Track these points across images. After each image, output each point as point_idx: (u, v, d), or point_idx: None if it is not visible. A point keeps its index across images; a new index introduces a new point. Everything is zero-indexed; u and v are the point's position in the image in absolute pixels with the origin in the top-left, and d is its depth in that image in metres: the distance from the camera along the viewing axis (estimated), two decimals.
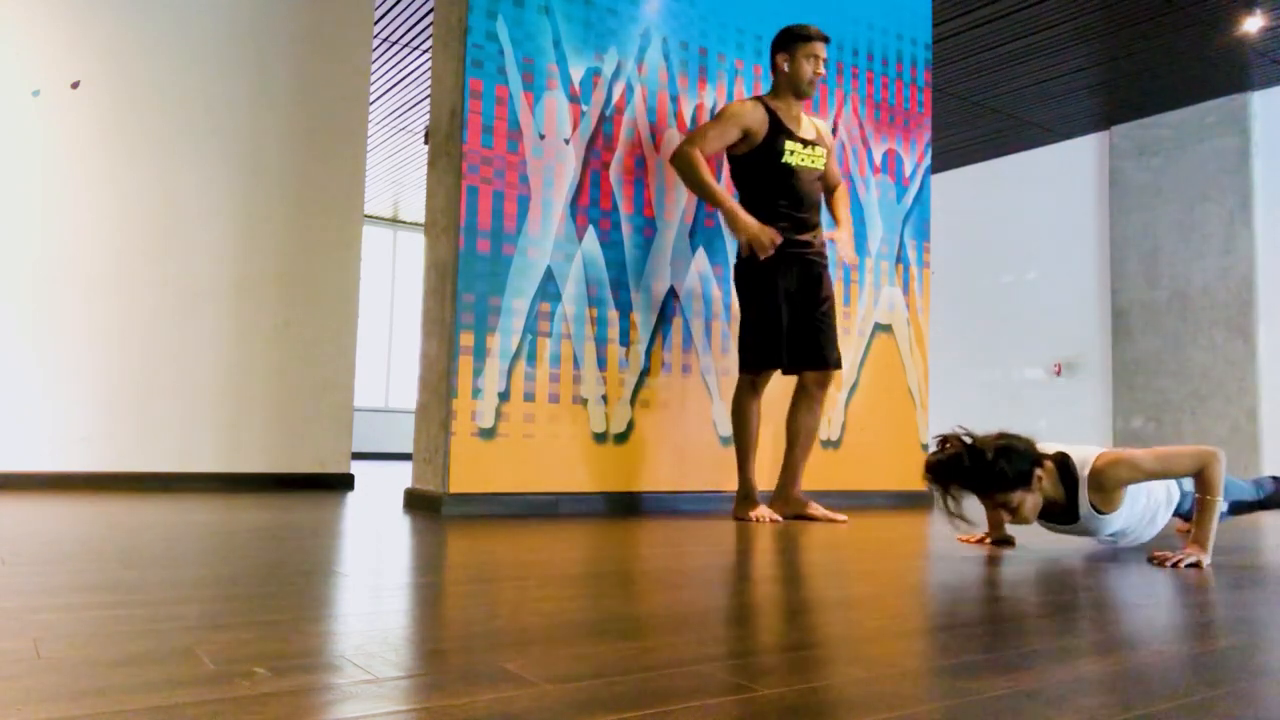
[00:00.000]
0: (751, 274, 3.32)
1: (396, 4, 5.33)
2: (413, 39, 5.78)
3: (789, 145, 3.31)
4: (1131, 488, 2.30)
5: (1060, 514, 2.34)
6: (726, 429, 3.79)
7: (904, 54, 4.39)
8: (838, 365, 3.35)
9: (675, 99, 3.75)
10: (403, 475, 5.81)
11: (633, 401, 3.57)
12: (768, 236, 3.18)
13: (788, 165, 3.31)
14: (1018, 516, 2.26)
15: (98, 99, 4.06)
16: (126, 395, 4.02)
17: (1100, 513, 2.30)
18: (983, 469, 2.18)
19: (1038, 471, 2.23)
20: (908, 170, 4.34)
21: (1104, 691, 1.04)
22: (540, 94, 3.45)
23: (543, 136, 3.44)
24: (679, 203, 3.73)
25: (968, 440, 2.21)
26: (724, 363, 3.80)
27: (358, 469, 5.94)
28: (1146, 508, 2.39)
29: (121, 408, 4.01)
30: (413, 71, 6.31)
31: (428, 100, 5.91)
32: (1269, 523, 3.85)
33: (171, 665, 1.04)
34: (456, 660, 1.11)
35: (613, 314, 3.55)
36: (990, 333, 7.28)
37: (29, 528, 2.39)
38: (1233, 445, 5.68)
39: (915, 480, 4.23)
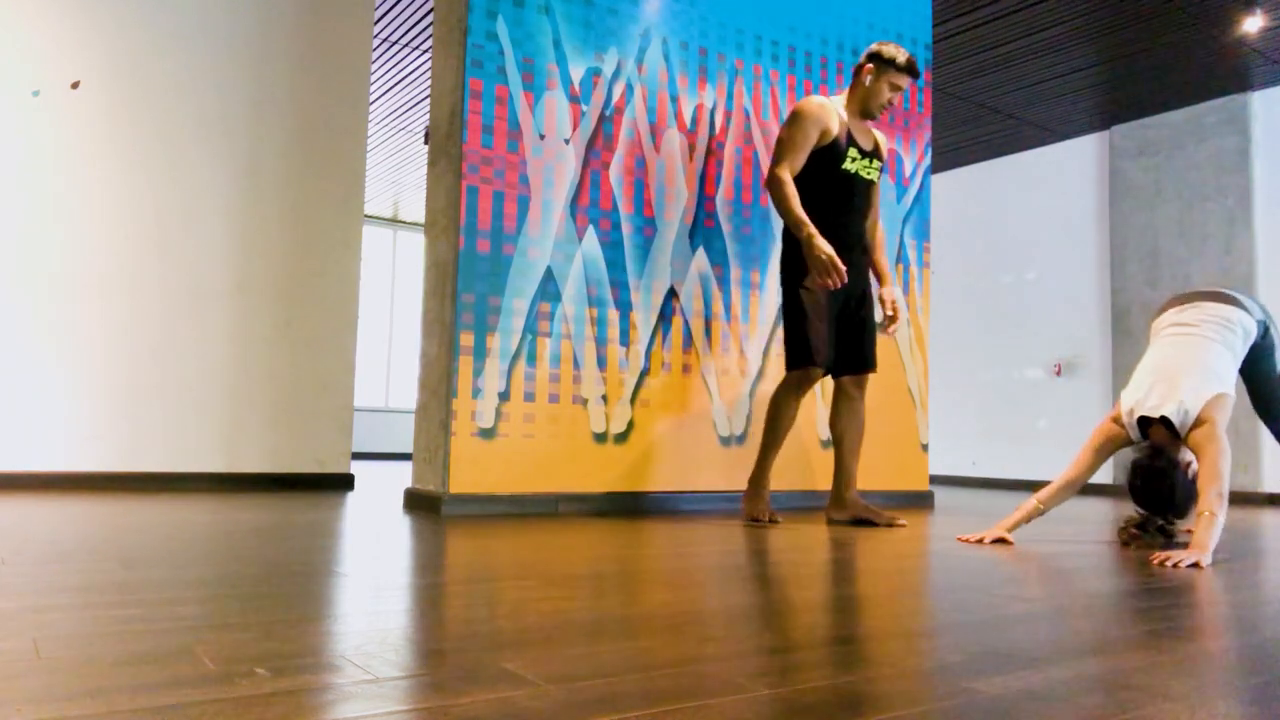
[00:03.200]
0: (801, 274, 3.22)
1: (396, 4, 5.33)
2: (413, 39, 5.78)
3: (852, 152, 3.26)
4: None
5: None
6: (726, 429, 3.79)
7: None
8: (874, 368, 3.33)
9: (675, 99, 3.75)
10: (403, 475, 5.81)
11: (633, 401, 3.57)
12: (839, 271, 3.07)
13: (846, 172, 3.26)
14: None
15: (97, 99, 4.06)
16: (126, 395, 4.02)
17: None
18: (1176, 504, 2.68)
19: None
20: (908, 170, 4.34)
21: (1104, 691, 1.04)
22: (540, 94, 3.45)
23: (543, 136, 3.44)
24: (679, 203, 3.73)
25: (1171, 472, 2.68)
26: (724, 363, 3.80)
27: (358, 469, 5.94)
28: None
29: (121, 408, 4.01)
30: (413, 71, 6.31)
31: (428, 100, 5.91)
32: (1269, 522, 3.85)
33: (171, 665, 1.04)
34: (456, 660, 1.11)
35: (613, 314, 3.55)
36: (990, 333, 7.28)
37: (29, 528, 2.39)
38: (1232, 445, 5.68)
39: (915, 480, 4.23)
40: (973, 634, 1.35)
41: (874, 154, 3.36)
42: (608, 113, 3.59)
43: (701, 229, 3.78)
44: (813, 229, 3.10)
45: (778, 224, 4.00)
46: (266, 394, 4.28)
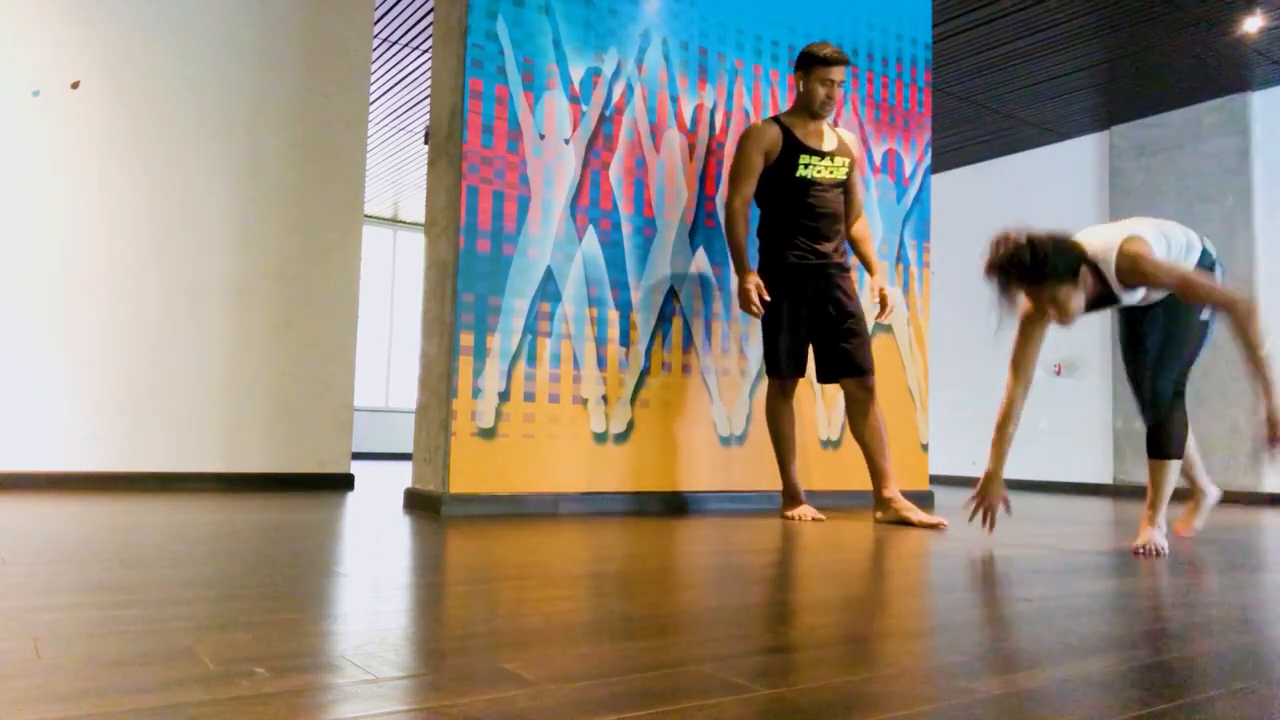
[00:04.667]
0: (768, 284, 3.37)
1: (396, 4, 5.33)
2: (413, 39, 5.78)
3: (803, 159, 3.36)
4: (1158, 251, 2.45)
5: (1102, 301, 2.54)
6: (726, 429, 3.79)
7: (904, 54, 4.39)
8: (870, 369, 3.35)
9: (675, 99, 3.75)
10: (403, 475, 5.81)
11: (633, 401, 3.57)
12: (752, 299, 3.26)
13: (803, 179, 3.36)
14: (1064, 313, 2.44)
15: (98, 99, 4.06)
16: (126, 395, 4.02)
17: (1132, 287, 2.48)
18: (1038, 263, 2.36)
19: (1083, 269, 2.41)
20: (908, 170, 4.34)
21: (1104, 691, 1.04)
22: (540, 94, 3.45)
23: (543, 136, 3.44)
24: (679, 203, 3.73)
25: (1023, 239, 2.38)
26: (724, 363, 3.80)
27: (358, 469, 5.94)
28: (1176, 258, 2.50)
29: (121, 408, 4.01)
30: (413, 71, 6.31)
31: (428, 100, 5.91)
32: (1270, 522, 3.85)
33: (171, 665, 1.04)
34: (456, 660, 1.11)
35: (613, 314, 3.55)
36: (990, 333, 7.28)
37: (29, 528, 2.39)
38: (1232, 445, 5.68)
39: (916, 480, 4.23)
40: (973, 634, 1.35)
41: (838, 152, 3.42)
42: (608, 113, 3.59)
43: (701, 229, 3.78)
44: (746, 266, 3.31)
45: None
46: (266, 394, 4.28)
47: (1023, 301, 2.57)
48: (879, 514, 3.30)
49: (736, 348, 3.84)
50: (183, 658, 1.07)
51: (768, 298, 3.30)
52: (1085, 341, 6.67)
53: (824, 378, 3.41)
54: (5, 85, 3.90)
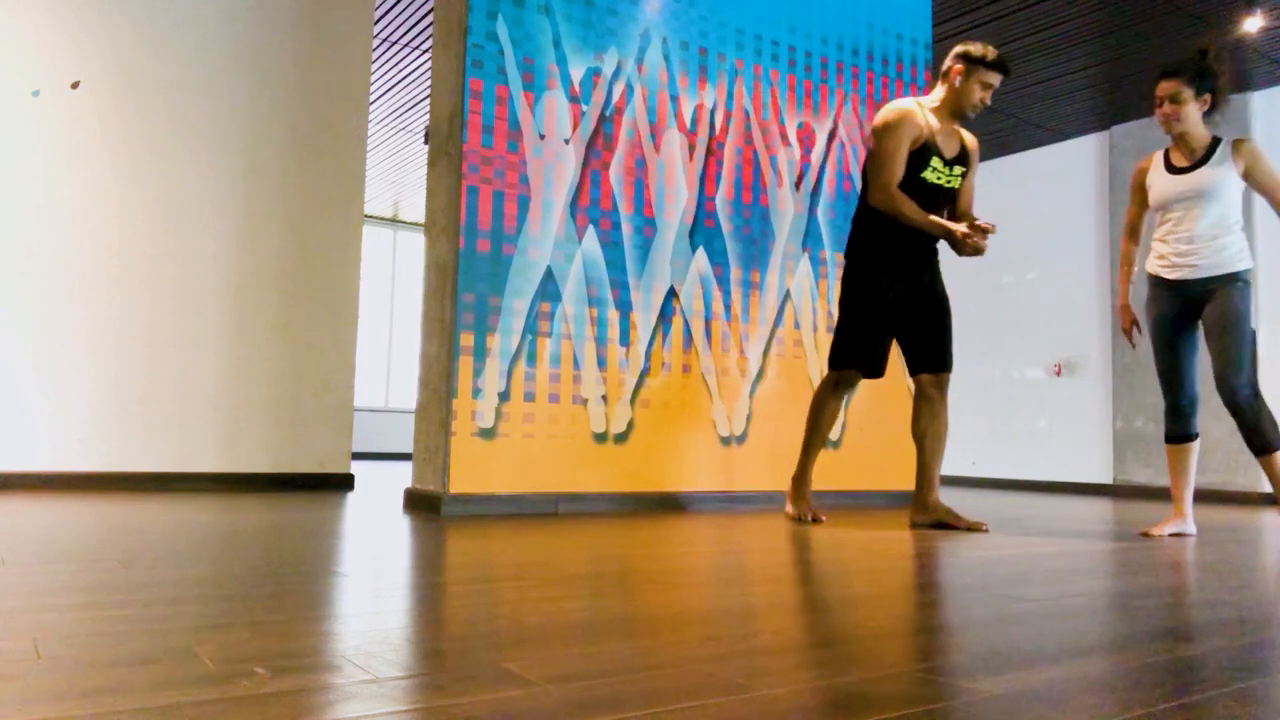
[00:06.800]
0: (857, 279, 3.24)
1: (396, 4, 5.33)
2: (413, 39, 5.78)
3: (933, 161, 3.18)
4: (1236, 215, 3.01)
5: (1187, 168, 3.04)
6: (726, 429, 3.79)
7: (904, 54, 4.39)
8: (950, 367, 3.24)
9: (675, 99, 3.75)
10: (403, 475, 5.81)
11: (633, 401, 3.57)
12: (979, 232, 3.06)
13: (924, 181, 3.17)
14: (1173, 113, 2.98)
15: (97, 99, 4.06)
16: (127, 395, 4.02)
17: (1224, 170, 2.97)
18: (1191, 63, 2.98)
19: (1214, 102, 2.98)
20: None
21: (1104, 691, 1.04)
22: (540, 94, 3.45)
23: (543, 136, 3.44)
24: (679, 203, 3.73)
25: (1214, 47, 3.00)
26: (724, 363, 3.80)
27: (358, 469, 5.94)
28: (1236, 227, 3.02)
29: (122, 408, 4.01)
30: (413, 71, 6.31)
31: (428, 100, 5.91)
32: (1270, 522, 3.85)
33: (171, 665, 1.04)
34: (456, 660, 1.11)
35: (613, 314, 3.55)
36: (990, 333, 7.28)
37: (29, 528, 2.38)
38: (1232, 445, 5.68)
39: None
40: (973, 634, 1.35)
41: (958, 160, 3.25)
42: (608, 113, 3.59)
43: (701, 229, 3.78)
44: (937, 221, 3.09)
45: (778, 223, 4.00)
46: (266, 394, 4.28)
47: (1138, 165, 3.21)
48: (917, 516, 3.19)
49: (736, 348, 3.84)
50: (183, 658, 1.07)
51: (980, 245, 3.07)
52: (1086, 342, 6.67)
53: (912, 371, 3.26)
54: (5, 85, 3.90)
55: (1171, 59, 5.45)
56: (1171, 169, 3.08)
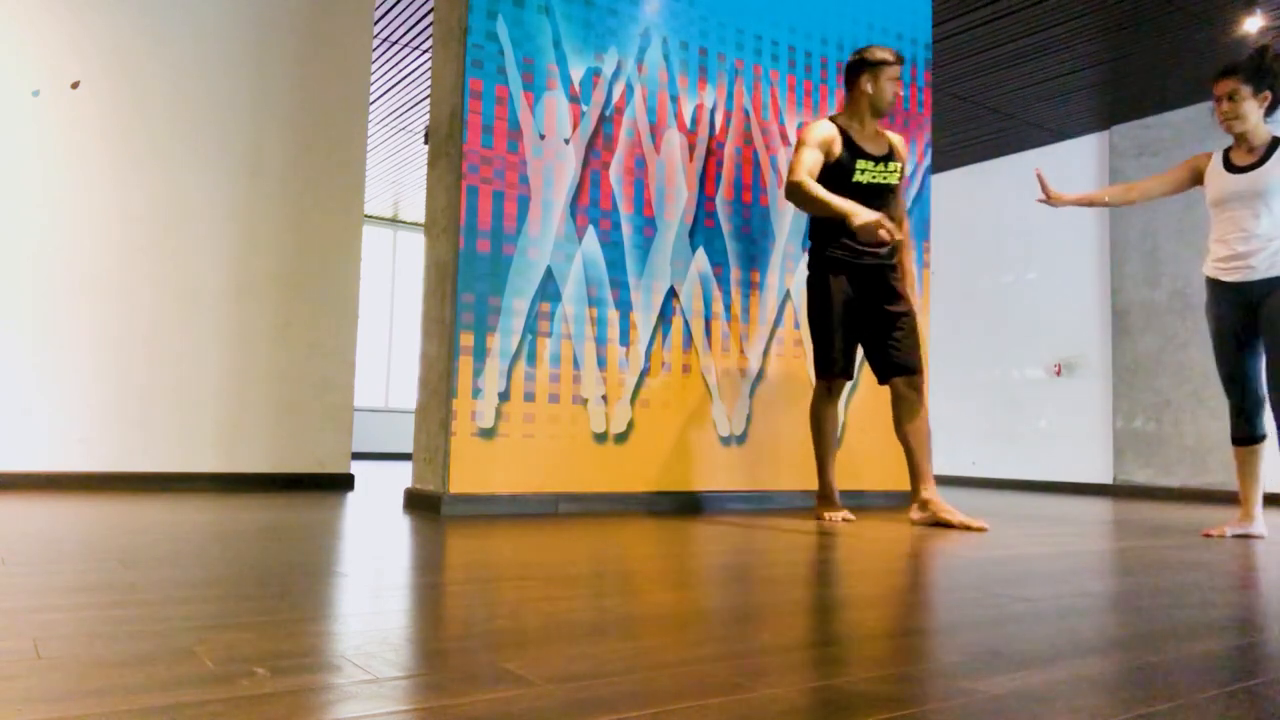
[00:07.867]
0: (816, 285, 3.38)
1: (396, 4, 5.33)
2: (413, 39, 5.78)
3: (860, 164, 3.35)
4: None
5: (1246, 167, 3.04)
6: (726, 429, 3.79)
7: (904, 54, 4.39)
8: (919, 369, 3.31)
9: (675, 99, 3.75)
10: (403, 475, 5.81)
11: (633, 401, 3.57)
12: (885, 227, 3.10)
13: (859, 184, 3.34)
14: (1232, 110, 3.01)
15: (97, 100, 4.06)
16: (127, 395, 4.02)
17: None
18: (1251, 61, 3.00)
19: (1271, 93, 3.00)
20: (907, 170, 4.34)
21: (1104, 691, 1.04)
22: (540, 94, 3.45)
23: (543, 136, 3.44)
24: (679, 203, 3.73)
25: (1272, 46, 3.02)
26: (724, 363, 3.80)
27: (358, 469, 5.95)
28: None
29: (122, 408, 4.01)
30: (413, 71, 6.31)
31: (428, 100, 5.91)
32: (1270, 522, 3.85)
33: (171, 665, 1.04)
34: (456, 660, 1.11)
35: (613, 314, 3.55)
36: (990, 333, 7.28)
37: (29, 528, 2.39)
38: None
39: None
40: (973, 634, 1.35)
41: (888, 157, 3.40)
42: (608, 113, 3.59)
43: (701, 229, 3.78)
44: (848, 203, 3.18)
45: (778, 223, 4.01)
46: (266, 394, 4.28)
47: (1200, 154, 3.26)
48: (915, 515, 3.24)
49: (736, 348, 3.84)
50: (183, 658, 1.07)
51: (891, 236, 3.14)
52: (1086, 342, 6.67)
53: (880, 378, 3.36)
54: (5, 85, 3.90)
55: (1171, 59, 5.46)
56: (1231, 168, 3.07)
